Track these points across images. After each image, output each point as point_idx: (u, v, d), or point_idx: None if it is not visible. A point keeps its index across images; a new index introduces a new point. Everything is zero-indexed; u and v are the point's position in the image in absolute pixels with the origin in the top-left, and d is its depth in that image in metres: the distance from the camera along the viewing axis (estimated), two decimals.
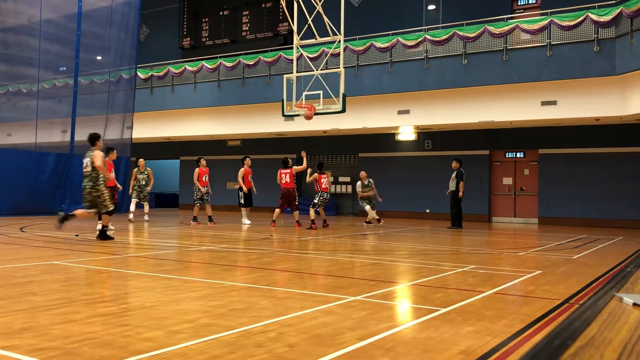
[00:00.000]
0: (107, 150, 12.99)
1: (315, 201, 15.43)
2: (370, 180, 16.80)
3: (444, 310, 4.79)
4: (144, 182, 16.56)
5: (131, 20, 21.98)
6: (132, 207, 16.55)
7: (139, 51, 22.79)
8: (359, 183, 16.84)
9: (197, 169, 16.19)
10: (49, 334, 3.77)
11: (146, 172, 16.61)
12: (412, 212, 21.48)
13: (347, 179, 23.59)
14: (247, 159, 16.32)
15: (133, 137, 22.06)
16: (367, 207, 16.69)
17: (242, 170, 16.08)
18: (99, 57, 22.51)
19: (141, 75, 23.77)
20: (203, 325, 4.12)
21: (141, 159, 16.84)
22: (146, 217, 16.72)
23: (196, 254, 8.89)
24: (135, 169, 16.60)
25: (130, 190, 16.68)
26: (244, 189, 16.13)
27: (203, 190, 16.00)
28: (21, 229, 13.06)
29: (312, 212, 15.03)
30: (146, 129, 23.70)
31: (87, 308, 4.65)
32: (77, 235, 11.54)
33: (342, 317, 4.46)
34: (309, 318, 4.44)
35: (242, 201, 16.27)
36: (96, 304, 4.85)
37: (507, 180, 20.45)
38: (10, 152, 18.58)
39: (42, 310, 4.52)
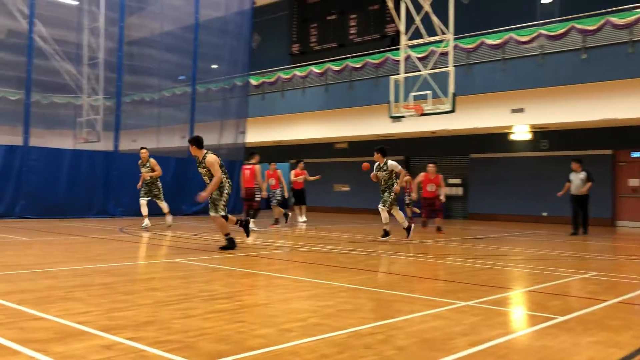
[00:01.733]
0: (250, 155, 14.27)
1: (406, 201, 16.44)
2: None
3: (562, 318, 4.54)
4: (148, 178, 13.43)
5: (244, 29, 22.87)
6: (144, 210, 13.49)
7: (251, 59, 23.66)
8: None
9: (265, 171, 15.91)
10: (170, 328, 4.00)
11: (149, 165, 13.41)
12: (528, 216, 20.54)
13: (458, 181, 23.01)
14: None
15: (246, 141, 22.95)
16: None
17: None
18: (214, 66, 23.62)
19: (253, 82, 24.65)
20: (313, 325, 4.19)
21: (143, 149, 13.61)
22: (169, 220, 13.90)
23: (305, 254, 9.07)
24: (139, 161, 13.63)
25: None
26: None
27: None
28: (145, 228, 13.96)
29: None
30: (258, 134, 24.53)
31: (205, 304, 4.89)
32: (195, 235, 12.18)
33: (452, 322, 4.35)
34: (418, 322, 4.38)
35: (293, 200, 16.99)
36: (213, 300, 5.08)
37: (634, 182, 18.99)
38: (135, 157, 19.95)
39: (164, 305, 4.81)
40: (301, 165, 17.55)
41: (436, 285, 6.22)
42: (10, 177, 16.52)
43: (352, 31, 25.29)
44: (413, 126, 19.76)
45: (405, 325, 4.26)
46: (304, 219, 17.09)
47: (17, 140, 17.23)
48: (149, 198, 13.52)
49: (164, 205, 13.75)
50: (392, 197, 11.26)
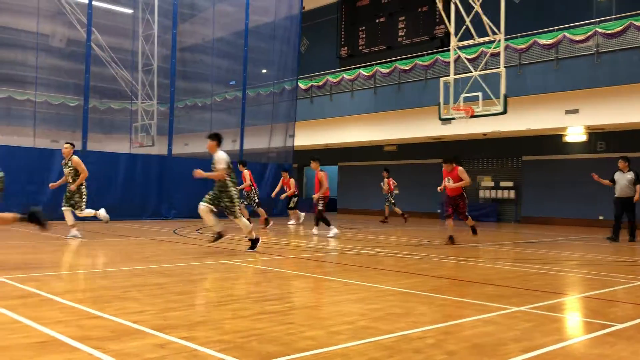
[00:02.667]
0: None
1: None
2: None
3: (620, 326, 4.39)
4: (70, 179, 10.94)
5: (293, 33, 23.09)
6: (68, 219, 11.15)
7: (300, 63, 23.84)
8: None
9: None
10: (222, 328, 4.08)
11: (71, 164, 10.94)
12: (583, 219, 19.91)
13: (510, 184, 22.53)
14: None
15: (295, 144, 23.13)
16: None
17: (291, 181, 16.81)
18: (264, 71, 23.93)
19: (302, 85, 24.83)
20: (362, 328, 4.19)
21: (67, 144, 11.34)
22: (72, 233, 11.13)
23: (353, 257, 9.07)
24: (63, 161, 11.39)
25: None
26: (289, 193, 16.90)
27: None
28: (197, 230, 14.26)
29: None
30: (307, 137, 24.69)
31: (255, 305, 4.96)
32: (246, 237, 12.34)
33: (504, 328, 4.27)
34: (468, 327, 4.32)
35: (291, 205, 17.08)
36: (263, 302, 5.15)
37: None
38: (187, 161, 20.40)
39: (215, 305, 4.91)
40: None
41: (487, 290, 6.11)
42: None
43: (401, 33, 25.15)
44: (463, 128, 19.48)
45: (455, 329, 4.21)
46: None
47: (76, 145, 17.86)
48: (69, 207, 11.01)
49: (85, 213, 11.15)
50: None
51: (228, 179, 9.12)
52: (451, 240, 11.30)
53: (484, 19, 14.77)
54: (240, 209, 9.40)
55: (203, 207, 9.13)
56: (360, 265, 8.05)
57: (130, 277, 6.47)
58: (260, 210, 15.73)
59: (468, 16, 15.12)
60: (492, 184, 23.04)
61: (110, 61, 19.91)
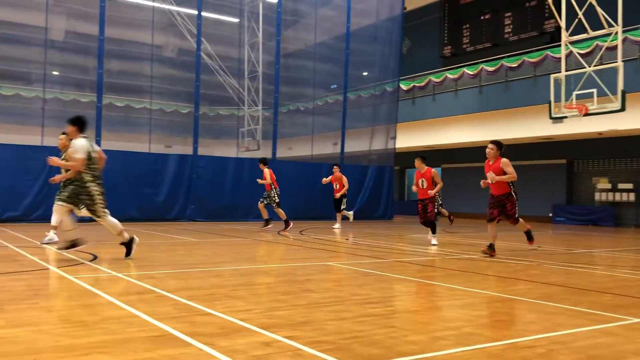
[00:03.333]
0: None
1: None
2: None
3: None
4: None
5: (394, 34, 22.96)
6: (55, 219, 9.80)
7: (401, 63, 23.65)
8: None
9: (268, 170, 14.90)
10: (324, 329, 4.13)
11: (64, 155, 9.67)
12: None
13: (629, 186, 21.03)
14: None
15: (396, 146, 22.96)
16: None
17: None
18: (365, 73, 23.97)
19: (403, 87, 24.62)
20: (467, 334, 4.07)
21: (61, 135, 10.43)
22: (49, 236, 10.00)
23: (457, 262, 8.84)
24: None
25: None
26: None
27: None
28: (301, 232, 14.53)
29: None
30: (408, 139, 24.43)
31: (357, 307, 4.97)
32: (348, 239, 12.43)
33: (624, 340, 3.99)
34: (582, 337, 4.07)
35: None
36: (365, 304, 5.15)
37: None
38: (291, 164, 20.87)
39: (318, 306, 4.97)
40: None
41: (604, 299, 5.73)
42: (182, 183, 18.11)
43: (507, 29, 24.27)
44: (576, 127, 18.44)
45: (568, 339, 3.98)
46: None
47: (188, 150, 18.85)
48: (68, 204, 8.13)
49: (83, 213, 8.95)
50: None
51: (86, 172, 7.60)
52: (490, 249, 9.36)
53: (599, 10, 13.91)
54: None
55: (58, 206, 7.75)
56: (465, 270, 7.83)
57: (237, 276, 6.71)
58: (280, 211, 14.78)
59: (581, 9, 14.30)
60: (609, 186, 21.63)
61: (219, 69, 20.78)
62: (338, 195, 16.39)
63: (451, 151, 26.70)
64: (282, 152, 20.95)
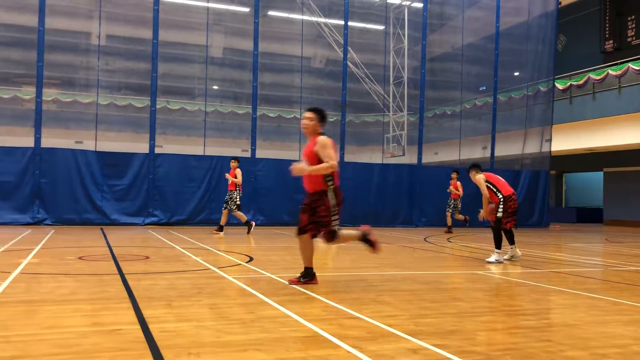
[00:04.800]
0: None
1: None
2: None
3: None
4: None
5: (549, 31, 21.72)
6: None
7: (556, 61, 22.28)
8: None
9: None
10: (474, 339, 4.00)
11: None
12: None
13: None
14: None
15: (552, 149, 21.63)
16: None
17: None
18: (516, 73, 22.92)
19: (559, 86, 23.15)
20: (635, 353, 3.73)
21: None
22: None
23: (623, 274, 8.10)
24: None
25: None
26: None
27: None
28: (448, 239, 14.22)
29: None
30: (565, 141, 22.90)
31: (509, 319, 4.76)
32: None
33: None
34: None
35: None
36: (518, 315, 4.92)
37: None
38: (437, 169, 20.55)
39: (468, 316, 4.84)
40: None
41: None
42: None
43: None
44: None
45: None
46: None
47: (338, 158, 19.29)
48: None
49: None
50: None
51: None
52: (306, 277, 6.31)
53: None
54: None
55: None
56: (632, 283, 7.16)
57: (383, 281, 6.74)
58: (239, 214, 14.05)
59: None
60: None
61: (364, 77, 21.07)
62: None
63: (614, 154, 24.57)
64: (428, 157, 20.70)
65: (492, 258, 9.10)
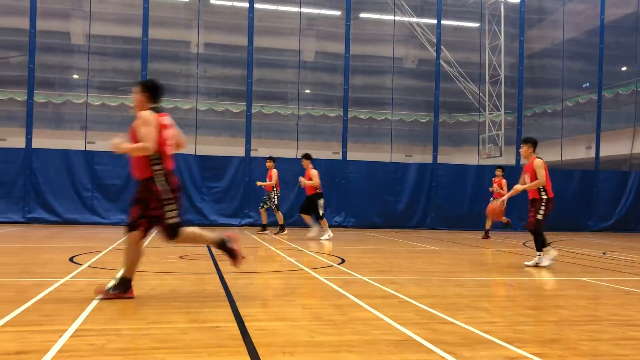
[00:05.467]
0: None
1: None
2: None
3: None
4: None
5: None
6: None
7: None
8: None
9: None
10: (577, 349, 3.80)
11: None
12: None
13: None
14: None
15: None
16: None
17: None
18: (623, 68, 21.55)
19: None
20: None
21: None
22: None
23: None
24: None
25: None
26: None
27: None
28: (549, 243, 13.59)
29: None
30: None
31: (616, 329, 4.47)
32: (604, 253, 11.27)
33: None
34: None
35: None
36: (626, 326, 4.61)
37: None
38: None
39: (569, 324, 4.59)
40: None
41: None
42: (422, 191, 18.35)
43: None
44: None
45: None
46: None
47: (428, 158, 19.02)
48: None
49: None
50: None
51: None
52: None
53: None
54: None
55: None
56: None
57: (479, 287, 6.55)
58: (279, 215, 14.23)
59: None
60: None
61: (458, 76, 20.61)
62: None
63: None
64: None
65: (545, 261, 8.44)
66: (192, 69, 19.05)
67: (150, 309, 4.80)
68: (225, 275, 6.75)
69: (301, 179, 13.09)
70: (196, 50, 18.93)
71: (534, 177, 8.49)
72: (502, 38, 20.51)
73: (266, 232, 14.44)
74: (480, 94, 21.00)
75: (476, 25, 21.39)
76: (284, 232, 14.25)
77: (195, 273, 7.07)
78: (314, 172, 13.03)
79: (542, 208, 8.43)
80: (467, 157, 21.06)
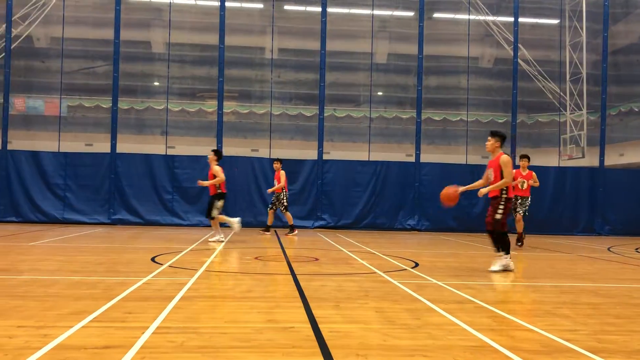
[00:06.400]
0: None
1: None
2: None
3: None
4: None
5: None
6: None
7: None
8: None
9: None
10: None
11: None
12: None
13: None
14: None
15: None
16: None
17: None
18: None
19: None
20: None
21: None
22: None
23: None
24: None
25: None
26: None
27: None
28: (636, 249, 12.90)
29: None
30: None
31: None
32: None
33: None
34: None
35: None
36: None
37: None
38: (622, 172, 18.73)
39: None
40: None
41: None
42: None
43: None
44: None
45: None
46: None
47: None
48: None
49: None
50: None
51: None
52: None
53: None
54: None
55: None
56: None
57: (560, 293, 6.29)
58: (288, 215, 14.42)
59: None
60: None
61: (537, 74, 19.89)
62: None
63: None
64: (612, 160, 18.95)
65: (497, 266, 7.91)
66: (266, 74, 19.42)
67: (227, 309, 4.93)
68: (299, 277, 6.82)
69: (199, 181, 12.49)
70: (270, 55, 19.28)
71: (498, 173, 8.04)
72: (584, 34, 19.63)
73: (268, 233, 14.52)
74: (561, 93, 20.18)
75: (556, 22, 20.59)
76: (294, 232, 14.48)
77: (269, 274, 7.20)
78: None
79: (501, 207, 7.96)
80: (547, 159, 20.25)
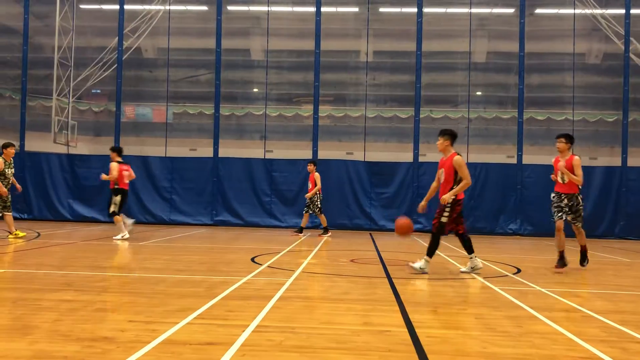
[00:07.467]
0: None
1: None
2: None
3: None
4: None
5: None
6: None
7: None
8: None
9: None
10: None
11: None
12: None
13: None
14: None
15: None
16: None
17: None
18: None
19: None
20: None
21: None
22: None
23: None
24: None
25: None
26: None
27: None
28: None
29: None
30: None
31: None
32: None
33: None
34: None
35: None
36: None
37: None
38: None
39: None
40: None
41: None
42: (609, 197, 16.81)
43: None
44: None
45: None
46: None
47: (616, 161, 17.39)
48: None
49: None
50: None
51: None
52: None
53: None
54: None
55: None
56: None
57: None
58: (322, 217, 14.41)
59: None
60: None
61: None
62: None
63: None
64: None
65: (417, 265, 7.64)
66: (361, 78, 19.45)
67: (324, 310, 4.98)
68: (394, 281, 6.77)
69: (103, 175, 12.10)
70: (365, 58, 19.31)
71: (451, 174, 7.54)
72: None
73: (302, 234, 14.42)
74: None
75: None
76: (328, 234, 14.42)
77: (365, 277, 7.20)
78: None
79: (447, 210, 7.58)
80: None
